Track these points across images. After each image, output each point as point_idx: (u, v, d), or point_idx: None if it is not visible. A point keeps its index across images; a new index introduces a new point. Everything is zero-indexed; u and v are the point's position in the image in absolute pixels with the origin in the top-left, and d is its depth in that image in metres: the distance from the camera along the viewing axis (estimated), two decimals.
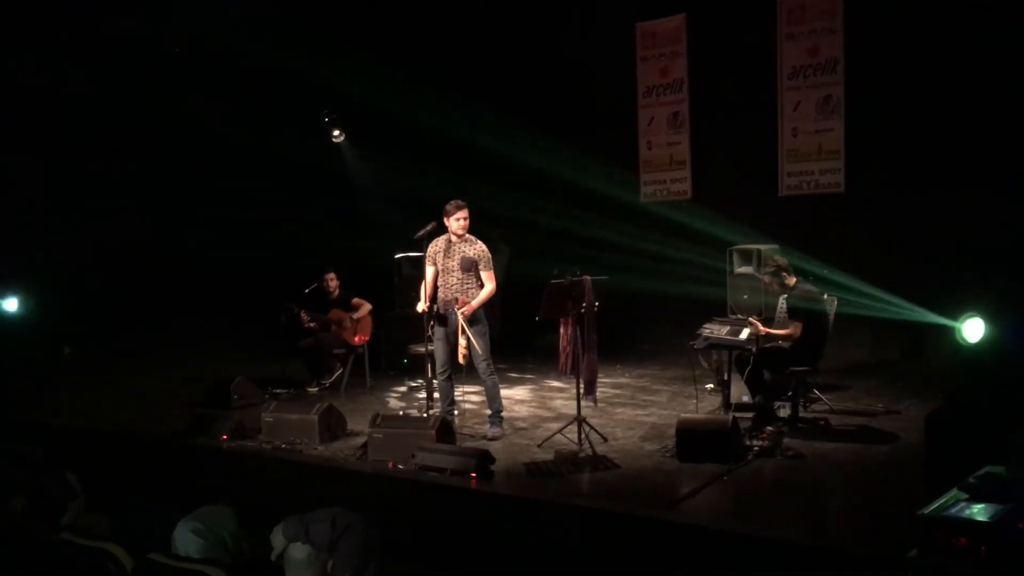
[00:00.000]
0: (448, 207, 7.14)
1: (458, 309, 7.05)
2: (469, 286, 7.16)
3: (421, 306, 7.24)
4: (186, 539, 3.61)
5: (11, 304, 9.61)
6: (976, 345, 5.74)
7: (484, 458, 6.12)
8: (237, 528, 3.79)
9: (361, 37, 11.00)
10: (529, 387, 9.50)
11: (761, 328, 7.03)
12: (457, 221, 7.13)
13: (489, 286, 7.19)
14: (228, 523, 3.76)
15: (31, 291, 9.79)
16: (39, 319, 9.96)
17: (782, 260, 7.25)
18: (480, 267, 7.17)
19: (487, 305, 7.33)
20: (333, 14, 10.99)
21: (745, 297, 8.66)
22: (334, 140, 12.41)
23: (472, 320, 7.11)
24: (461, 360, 7.12)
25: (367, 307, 9.67)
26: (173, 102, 10.84)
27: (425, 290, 7.30)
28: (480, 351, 7.11)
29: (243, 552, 3.80)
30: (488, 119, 10.78)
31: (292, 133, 11.52)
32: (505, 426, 7.42)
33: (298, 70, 11.10)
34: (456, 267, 7.16)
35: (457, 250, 7.18)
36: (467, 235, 7.23)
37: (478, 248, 7.21)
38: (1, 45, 9.99)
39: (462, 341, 7.06)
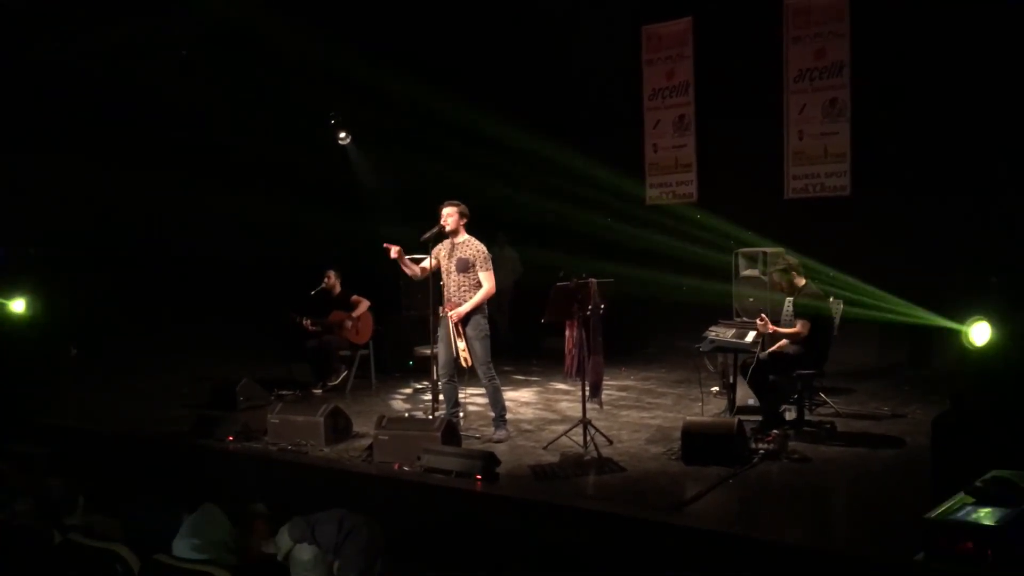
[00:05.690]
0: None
1: (448, 313, 7.05)
2: (466, 288, 7.09)
3: (394, 251, 7.06)
4: (186, 554, 3.60)
5: (18, 305, 9.63)
6: (982, 349, 5.74)
7: (489, 460, 6.12)
8: (229, 524, 3.79)
9: (368, 39, 11.03)
10: (534, 389, 9.50)
11: (770, 326, 7.00)
12: (441, 218, 7.13)
13: (486, 286, 7.08)
14: (220, 522, 3.76)
15: (38, 292, 9.82)
16: (46, 320, 9.98)
17: (792, 259, 7.24)
18: (477, 267, 7.08)
19: (495, 306, 7.29)
20: (341, 16, 11.03)
21: (751, 300, 8.65)
22: (340, 142, 12.44)
23: (468, 323, 7.07)
24: (463, 363, 7.11)
25: (365, 304, 9.70)
26: (180, 104, 10.88)
27: (409, 264, 7.18)
28: (480, 355, 7.07)
29: (243, 546, 3.80)
30: (494, 121, 10.80)
31: (299, 136, 11.55)
32: (510, 428, 7.42)
33: (305, 72, 11.14)
34: (454, 269, 7.13)
35: (456, 252, 7.16)
36: (466, 236, 7.19)
37: (474, 248, 7.13)
38: (6, 43, 10.04)
39: (460, 345, 7.05)
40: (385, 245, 7.09)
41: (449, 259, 7.16)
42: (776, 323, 7.14)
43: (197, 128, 11.03)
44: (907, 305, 8.35)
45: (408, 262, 7.19)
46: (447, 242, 7.22)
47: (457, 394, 7.44)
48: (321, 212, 11.70)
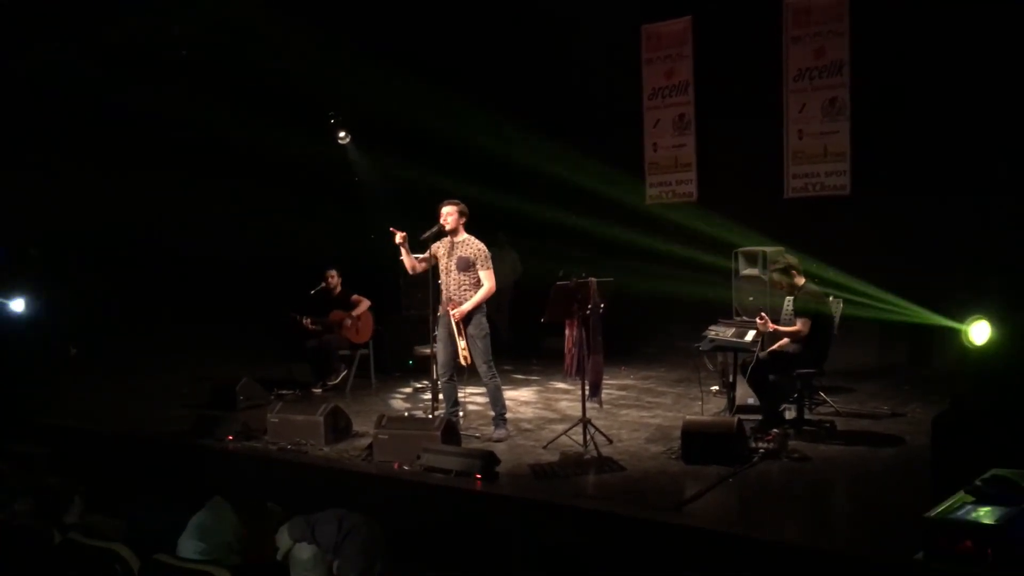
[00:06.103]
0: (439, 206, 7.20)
1: (450, 311, 7.06)
2: (467, 287, 7.10)
3: (399, 236, 7.13)
4: (190, 554, 3.60)
5: (18, 305, 9.63)
6: (982, 348, 5.74)
7: (489, 459, 6.12)
8: (238, 523, 3.78)
9: (368, 39, 11.03)
10: (534, 389, 9.50)
11: (770, 325, 6.99)
12: (441, 217, 7.14)
13: (487, 285, 7.10)
14: (228, 522, 3.75)
15: (37, 292, 9.83)
16: (45, 320, 9.99)
17: (792, 258, 7.23)
18: (478, 266, 7.10)
19: (494, 306, 7.30)
20: (341, 16, 11.02)
21: (750, 299, 8.65)
22: (340, 141, 12.44)
23: (470, 322, 7.09)
24: (463, 362, 7.12)
25: (365, 303, 9.72)
26: (180, 104, 10.87)
27: (409, 253, 7.21)
28: (482, 353, 7.09)
29: (251, 545, 3.78)
30: (493, 121, 10.79)
31: (299, 135, 11.54)
32: (510, 427, 7.42)
33: (305, 72, 11.14)
34: (454, 268, 7.14)
35: (456, 251, 7.17)
36: (466, 236, 7.20)
37: (474, 247, 7.15)
38: (6, 43, 10.03)
39: (461, 343, 7.06)
40: (392, 229, 7.15)
41: (449, 258, 7.17)
42: (776, 322, 7.14)
43: (197, 128, 11.01)
44: (907, 304, 8.35)
45: (408, 250, 7.21)
46: (446, 241, 7.22)
47: (457, 393, 7.45)
48: (321, 212, 11.70)
